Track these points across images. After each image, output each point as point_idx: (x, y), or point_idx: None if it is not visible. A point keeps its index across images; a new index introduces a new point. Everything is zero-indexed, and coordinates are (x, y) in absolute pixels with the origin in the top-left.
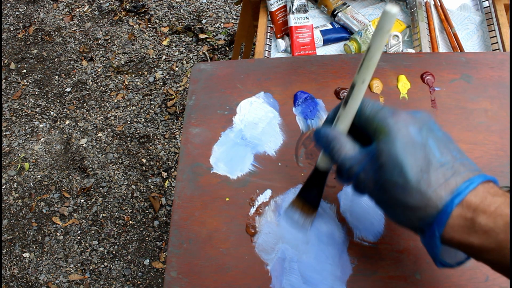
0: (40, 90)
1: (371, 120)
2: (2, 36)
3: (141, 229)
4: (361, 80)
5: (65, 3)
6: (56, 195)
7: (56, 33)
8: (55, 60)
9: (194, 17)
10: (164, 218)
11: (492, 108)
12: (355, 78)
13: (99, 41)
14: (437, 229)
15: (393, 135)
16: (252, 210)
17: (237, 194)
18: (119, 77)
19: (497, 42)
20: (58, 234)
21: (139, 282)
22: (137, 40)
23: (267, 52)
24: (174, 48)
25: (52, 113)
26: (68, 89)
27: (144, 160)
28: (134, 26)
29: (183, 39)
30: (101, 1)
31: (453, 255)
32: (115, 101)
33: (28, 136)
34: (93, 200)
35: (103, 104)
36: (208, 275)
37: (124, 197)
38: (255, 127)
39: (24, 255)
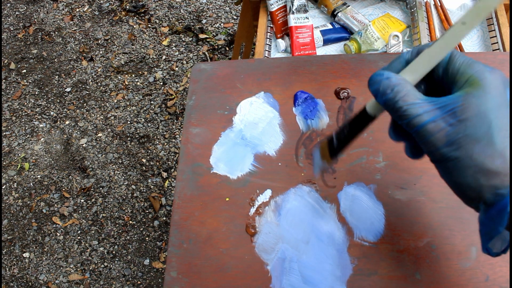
0: (40, 90)
1: (463, 70)
2: (2, 36)
3: (141, 229)
4: (462, 20)
5: (65, 3)
6: (56, 195)
7: (56, 33)
8: (55, 60)
9: (194, 17)
10: (164, 218)
11: None
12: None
13: (99, 41)
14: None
15: (488, 91)
16: (252, 210)
17: (237, 194)
18: (119, 77)
19: (497, 42)
20: (58, 234)
21: (139, 282)
22: (137, 40)
23: (267, 52)
24: (174, 48)
25: (52, 113)
26: (68, 89)
27: (144, 160)
28: (134, 26)
29: (183, 39)
30: (101, 1)
31: (495, 242)
32: (115, 101)
33: (28, 136)
34: (93, 200)
35: (103, 104)
36: (208, 275)
37: (124, 197)
38: (255, 127)
39: (24, 255)
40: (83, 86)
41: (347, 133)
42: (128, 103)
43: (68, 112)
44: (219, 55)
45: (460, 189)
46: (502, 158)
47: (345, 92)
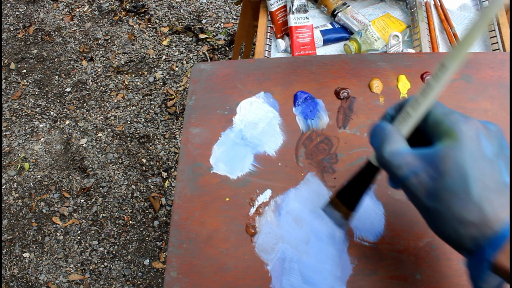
0: (40, 90)
1: (440, 121)
2: (2, 36)
3: (141, 229)
4: (441, 62)
5: (65, 3)
6: (56, 195)
7: (56, 33)
8: (55, 60)
9: (194, 17)
10: (164, 218)
11: (492, 108)
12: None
13: (99, 41)
14: (489, 252)
15: (463, 143)
16: (252, 210)
17: (237, 194)
18: (119, 77)
19: (497, 42)
20: (58, 234)
21: (139, 282)
22: (137, 40)
23: (267, 52)
24: (174, 48)
25: (52, 113)
26: (68, 89)
27: (144, 160)
28: (134, 26)
29: (183, 39)
30: (101, 1)
31: (489, 280)
32: (115, 101)
33: (28, 136)
34: (93, 200)
35: (103, 104)
36: (208, 275)
37: (124, 197)
38: (255, 127)
39: (24, 255)
40: (83, 86)
41: (357, 189)
42: (128, 103)
43: (68, 112)
44: (219, 55)
45: (444, 237)
46: (478, 210)
47: (345, 92)
